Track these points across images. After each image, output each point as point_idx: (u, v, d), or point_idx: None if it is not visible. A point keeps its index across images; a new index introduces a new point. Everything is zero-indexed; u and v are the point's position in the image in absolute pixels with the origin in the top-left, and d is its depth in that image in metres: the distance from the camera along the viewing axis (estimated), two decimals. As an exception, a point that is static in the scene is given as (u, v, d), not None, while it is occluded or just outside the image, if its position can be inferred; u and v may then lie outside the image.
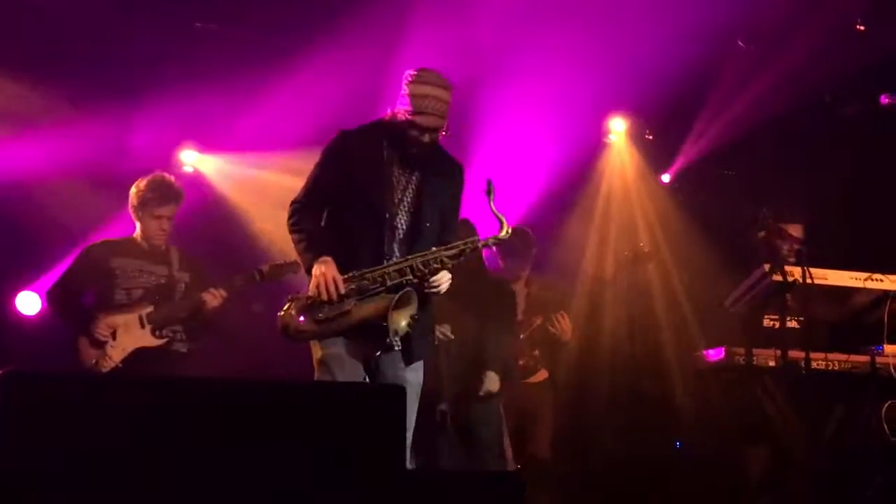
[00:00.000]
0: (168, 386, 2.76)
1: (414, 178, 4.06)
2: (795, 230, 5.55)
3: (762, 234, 5.44)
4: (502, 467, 5.42)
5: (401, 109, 3.97)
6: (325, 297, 3.80)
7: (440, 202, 4.09)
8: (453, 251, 3.91)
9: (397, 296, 3.84)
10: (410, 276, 3.88)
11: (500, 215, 3.89)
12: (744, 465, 5.28)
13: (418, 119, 3.92)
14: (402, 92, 3.98)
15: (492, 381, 5.44)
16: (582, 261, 7.08)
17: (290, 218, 4.05)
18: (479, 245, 3.97)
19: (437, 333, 5.35)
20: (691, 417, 6.19)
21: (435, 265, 3.89)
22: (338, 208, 4.04)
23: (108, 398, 2.56)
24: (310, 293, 3.85)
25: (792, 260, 4.87)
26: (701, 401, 5.66)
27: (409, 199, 4.05)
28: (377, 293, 3.88)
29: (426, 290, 3.93)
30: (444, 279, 3.96)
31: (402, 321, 3.85)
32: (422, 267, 3.88)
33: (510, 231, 3.94)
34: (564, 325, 5.86)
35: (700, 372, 5.30)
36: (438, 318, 4.97)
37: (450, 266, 3.93)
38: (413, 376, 4.00)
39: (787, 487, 5.04)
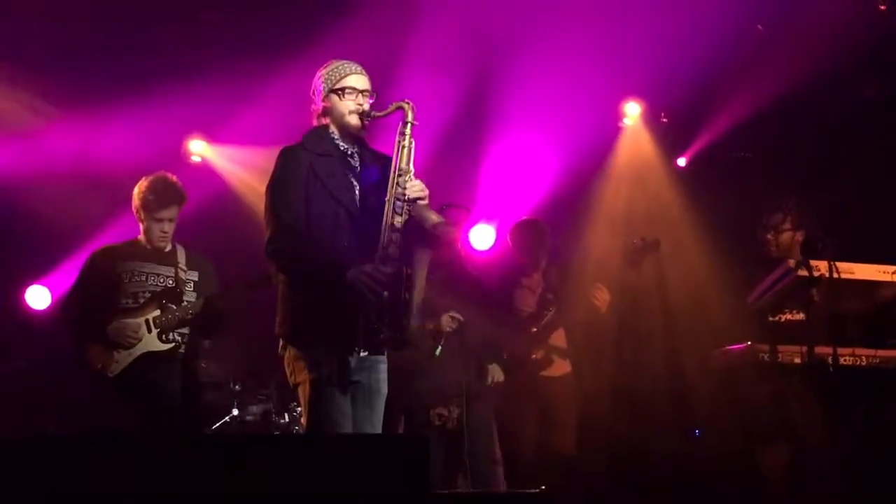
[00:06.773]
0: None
1: None
2: None
3: (786, 226, 5.29)
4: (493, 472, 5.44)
5: None
6: None
7: None
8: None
9: None
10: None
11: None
12: (759, 463, 5.14)
13: None
14: None
15: (497, 372, 5.53)
16: (594, 247, 6.93)
17: None
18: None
19: (447, 319, 5.34)
20: (710, 412, 6.05)
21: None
22: None
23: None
24: None
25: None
26: (721, 397, 5.50)
27: None
28: None
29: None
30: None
31: None
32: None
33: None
34: (602, 296, 5.74)
35: (722, 368, 5.13)
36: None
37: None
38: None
39: (808, 486, 4.92)
